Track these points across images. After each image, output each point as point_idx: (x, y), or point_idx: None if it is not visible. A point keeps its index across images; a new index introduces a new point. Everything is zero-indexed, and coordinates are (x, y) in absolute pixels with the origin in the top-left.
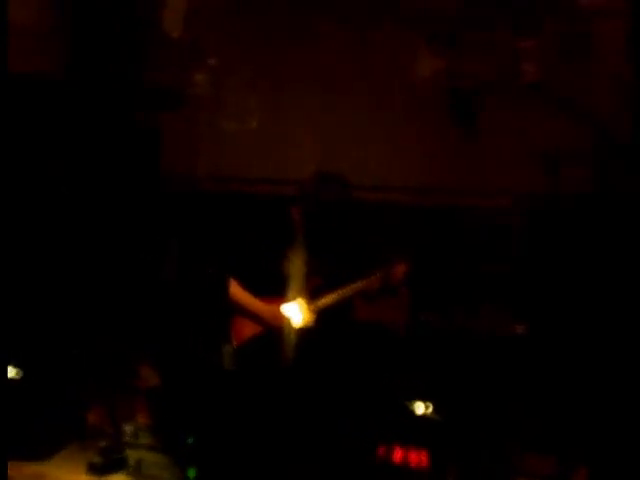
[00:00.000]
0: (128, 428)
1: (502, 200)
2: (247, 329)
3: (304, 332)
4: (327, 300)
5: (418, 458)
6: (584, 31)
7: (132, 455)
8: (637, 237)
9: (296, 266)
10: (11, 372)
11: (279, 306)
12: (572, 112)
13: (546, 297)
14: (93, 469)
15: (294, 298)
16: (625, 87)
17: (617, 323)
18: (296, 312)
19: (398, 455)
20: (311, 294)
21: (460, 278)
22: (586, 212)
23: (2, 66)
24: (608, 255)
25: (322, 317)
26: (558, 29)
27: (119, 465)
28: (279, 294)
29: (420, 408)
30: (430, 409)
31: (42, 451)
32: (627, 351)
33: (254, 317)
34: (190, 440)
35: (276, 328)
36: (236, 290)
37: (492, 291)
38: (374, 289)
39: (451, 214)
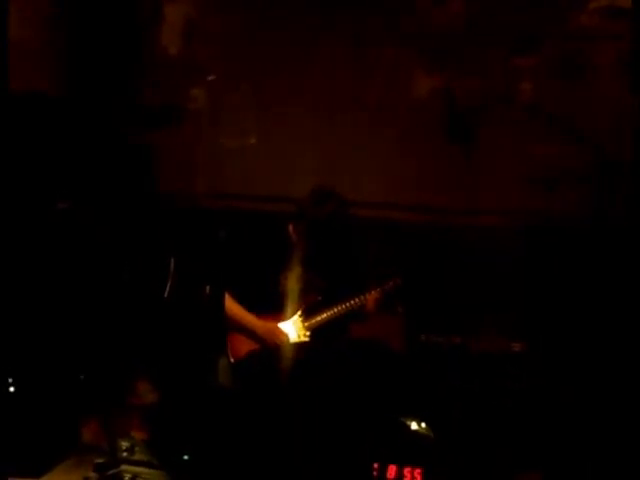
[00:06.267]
0: (124, 444)
1: (499, 220)
2: (244, 346)
3: (300, 349)
4: (322, 317)
5: (412, 476)
6: (582, 52)
7: (128, 471)
8: (633, 257)
9: (293, 283)
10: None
11: (275, 323)
12: (569, 132)
13: (543, 315)
14: None
15: (290, 315)
16: (622, 107)
17: (613, 341)
18: (292, 329)
19: (392, 472)
20: (307, 311)
21: (457, 297)
22: (582, 231)
23: (3, 84)
24: (604, 274)
25: (317, 334)
26: (556, 50)
27: None
28: (275, 311)
29: (415, 425)
30: (425, 427)
31: (37, 467)
32: (623, 370)
33: (250, 334)
34: (186, 457)
35: (272, 345)
36: (232, 307)
37: (489, 310)
38: (359, 311)
39: (448, 232)
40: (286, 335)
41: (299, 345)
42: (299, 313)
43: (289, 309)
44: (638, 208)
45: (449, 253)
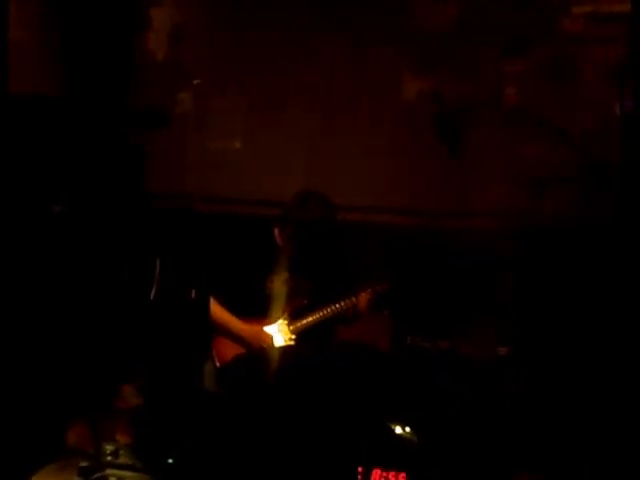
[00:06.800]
0: (109, 448)
1: (488, 222)
2: (229, 350)
3: (285, 353)
4: (308, 321)
5: None
6: (571, 55)
7: (112, 475)
8: (621, 259)
9: (278, 287)
10: None
11: (261, 327)
12: (558, 133)
13: (535, 317)
14: None
15: (276, 319)
16: (610, 110)
17: (606, 341)
18: (277, 333)
19: (376, 476)
20: (293, 315)
21: (447, 300)
22: (570, 234)
23: (2, 85)
24: (595, 275)
25: (304, 338)
26: (546, 52)
27: None
28: (261, 315)
29: (400, 429)
30: (409, 431)
31: (21, 471)
32: (619, 370)
33: (236, 338)
34: (171, 460)
35: (258, 349)
36: (218, 310)
37: (479, 313)
38: (347, 313)
39: (438, 235)
40: (271, 338)
41: (285, 349)
42: (284, 317)
43: (274, 313)
44: (627, 209)
45: (440, 256)
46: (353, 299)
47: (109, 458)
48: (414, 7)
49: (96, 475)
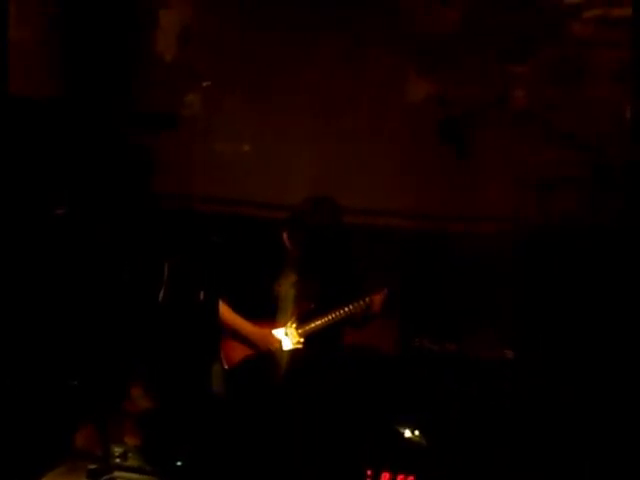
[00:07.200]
0: (117, 450)
1: (496, 225)
2: (237, 352)
3: (294, 356)
4: (316, 324)
5: None
6: (579, 57)
7: (121, 477)
8: (630, 261)
9: (287, 290)
10: None
11: (269, 329)
12: (566, 136)
13: (535, 322)
14: None
15: (284, 322)
16: (619, 111)
17: (611, 345)
18: (286, 336)
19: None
20: (301, 318)
21: (452, 303)
22: (578, 236)
23: (2, 85)
24: (598, 281)
25: (311, 341)
26: (553, 55)
27: None
28: (269, 317)
29: (408, 433)
30: (418, 434)
31: (29, 473)
32: (624, 372)
33: (244, 340)
34: (179, 463)
35: (266, 351)
36: (226, 313)
37: (484, 316)
38: (358, 316)
39: (444, 239)
40: (279, 341)
41: (293, 352)
42: (292, 320)
43: (283, 316)
44: (635, 211)
45: (446, 259)
46: (367, 300)
47: (117, 460)
48: (418, 8)
49: (104, 477)
